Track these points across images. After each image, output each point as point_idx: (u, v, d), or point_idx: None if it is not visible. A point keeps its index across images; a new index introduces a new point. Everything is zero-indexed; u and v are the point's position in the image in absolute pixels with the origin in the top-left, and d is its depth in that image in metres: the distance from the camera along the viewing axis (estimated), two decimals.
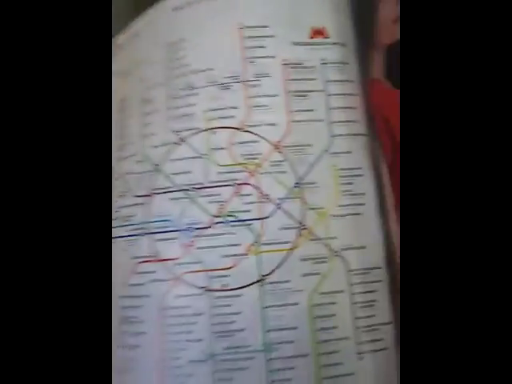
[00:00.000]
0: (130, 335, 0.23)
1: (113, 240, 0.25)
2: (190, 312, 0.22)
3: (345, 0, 0.27)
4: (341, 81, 0.25)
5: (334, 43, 0.26)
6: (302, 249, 0.23)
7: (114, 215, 0.26)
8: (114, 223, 0.26)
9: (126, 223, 0.25)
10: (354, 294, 0.23)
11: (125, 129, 0.27)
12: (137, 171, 0.25)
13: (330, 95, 0.25)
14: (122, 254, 0.24)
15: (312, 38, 0.25)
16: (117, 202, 0.26)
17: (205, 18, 0.25)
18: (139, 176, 0.25)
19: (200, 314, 0.22)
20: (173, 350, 0.22)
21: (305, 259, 0.23)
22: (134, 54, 0.28)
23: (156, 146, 0.25)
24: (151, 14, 0.28)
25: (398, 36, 0.25)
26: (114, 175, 0.27)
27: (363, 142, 0.25)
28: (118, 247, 0.25)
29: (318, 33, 0.26)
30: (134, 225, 0.24)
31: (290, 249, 0.23)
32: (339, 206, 0.24)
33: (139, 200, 0.25)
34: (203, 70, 0.25)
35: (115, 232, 0.25)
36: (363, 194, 0.24)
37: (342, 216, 0.24)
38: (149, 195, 0.24)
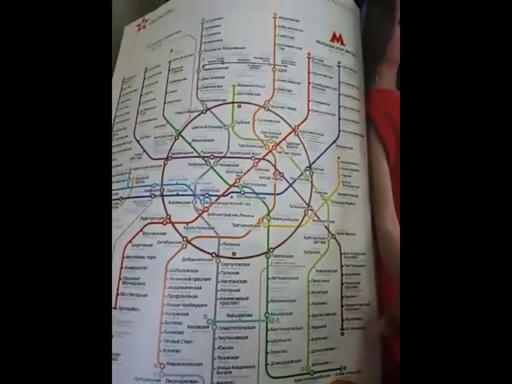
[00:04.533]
0: (129, 297, 0.18)
1: (120, 201, 0.20)
2: (197, 276, 0.18)
3: (358, 16, 0.25)
4: (350, 85, 0.23)
5: (348, 51, 0.24)
6: (307, 228, 0.20)
7: (122, 177, 0.21)
8: (121, 184, 0.21)
9: (138, 184, 0.20)
10: (343, 274, 0.20)
11: (147, 95, 0.22)
12: (155, 135, 0.21)
13: (341, 95, 0.22)
14: (129, 215, 0.20)
15: (332, 40, 0.23)
16: (128, 163, 0.21)
17: (243, 1, 0.22)
18: (157, 140, 0.21)
19: (206, 279, 0.18)
20: (173, 315, 0.18)
21: (308, 237, 0.20)
22: (167, 28, 0.24)
23: (179, 113, 0.21)
24: None
25: None
26: (127, 139, 0.22)
27: (361, 141, 0.23)
28: (124, 208, 0.20)
29: (336, 38, 0.23)
30: (147, 186, 0.20)
31: (297, 226, 0.19)
32: (339, 194, 0.21)
33: (155, 163, 0.20)
34: (235, 48, 0.21)
35: (123, 193, 0.21)
36: (358, 187, 0.22)
37: (340, 203, 0.21)
38: (166, 158, 0.20)
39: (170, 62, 0.22)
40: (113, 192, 0.21)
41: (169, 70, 0.22)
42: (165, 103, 0.21)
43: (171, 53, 0.23)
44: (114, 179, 0.22)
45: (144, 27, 0.26)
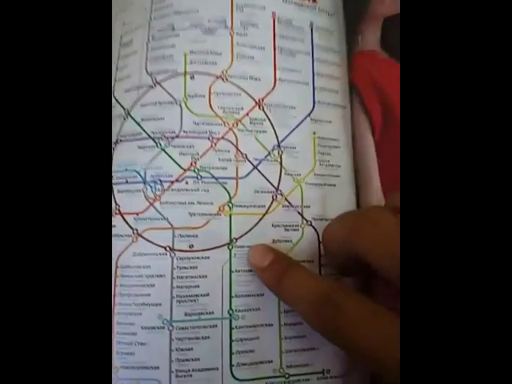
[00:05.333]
0: None
1: None
2: (148, 273, 0.16)
3: None
4: (326, 48, 0.20)
5: (321, 9, 0.20)
6: (275, 214, 0.17)
7: None
8: None
9: None
10: (322, 265, 0.17)
11: None
12: None
13: (315, 60, 0.19)
14: None
15: None
16: None
17: None
18: None
19: (160, 276, 0.16)
20: (125, 315, 0.16)
21: (277, 225, 0.17)
22: (121, 1, 0.20)
23: (128, 90, 0.18)
24: None
25: (396, 9, 0.20)
26: None
27: (342, 113, 0.20)
28: None
29: None
30: None
31: (263, 213, 0.17)
32: (316, 174, 0.18)
33: None
34: (187, 12, 0.18)
35: None
36: (339, 166, 0.19)
37: (317, 185, 0.18)
38: (116, 142, 0.17)
39: (121, 36, 0.19)
40: None
41: (120, 45, 0.19)
42: (115, 81, 0.18)
43: (123, 26, 0.19)
44: None
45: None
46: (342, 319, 0.12)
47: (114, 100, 0.18)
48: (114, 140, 0.18)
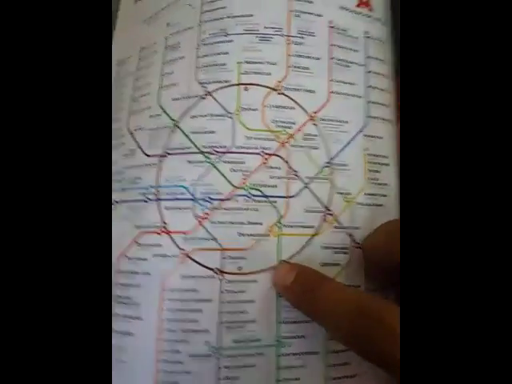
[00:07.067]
0: (122, 319, 0.15)
1: (114, 205, 0.17)
2: (196, 297, 0.14)
3: None
4: (379, 59, 0.18)
5: (377, 18, 0.18)
6: (325, 236, 0.16)
7: (116, 176, 0.17)
8: (115, 185, 0.17)
9: (131, 186, 0.16)
10: (369, 290, 0.16)
11: (142, 79, 0.18)
12: (150, 127, 0.17)
13: (369, 72, 0.17)
14: (122, 222, 0.16)
15: (358, 6, 0.17)
16: (122, 161, 0.17)
17: None
18: (152, 132, 0.17)
19: (207, 301, 0.14)
20: (172, 342, 0.14)
21: (326, 247, 0.15)
22: None
23: (176, 99, 0.16)
24: None
25: None
26: (121, 131, 0.18)
27: (391, 128, 0.18)
28: (118, 213, 0.17)
29: (363, 2, 0.18)
30: (141, 189, 0.16)
31: (313, 234, 0.15)
32: (366, 194, 0.16)
33: (150, 160, 0.16)
34: (241, 16, 0.16)
35: (116, 196, 0.17)
36: (386, 184, 0.17)
37: (366, 205, 0.16)
38: (162, 155, 0.16)
39: (166, 38, 0.18)
40: None
41: (165, 48, 0.17)
42: (160, 88, 0.17)
43: (168, 27, 0.18)
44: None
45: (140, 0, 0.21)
46: (383, 331, 0.11)
47: (159, 109, 0.17)
48: (160, 152, 0.16)
